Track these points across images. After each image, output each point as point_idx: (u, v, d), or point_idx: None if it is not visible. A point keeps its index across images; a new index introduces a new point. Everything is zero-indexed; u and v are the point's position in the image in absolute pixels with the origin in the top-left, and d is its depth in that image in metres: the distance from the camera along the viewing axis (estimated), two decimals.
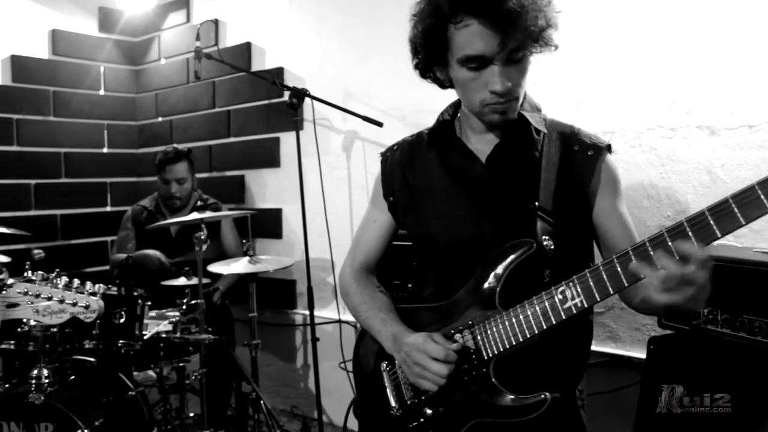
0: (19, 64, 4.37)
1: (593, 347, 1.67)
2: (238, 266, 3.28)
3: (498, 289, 1.43)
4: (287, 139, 4.09)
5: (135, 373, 3.08)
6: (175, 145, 3.90)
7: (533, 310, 1.34)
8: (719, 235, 1.09)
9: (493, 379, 1.41)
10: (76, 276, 2.00)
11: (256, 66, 4.23)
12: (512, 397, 1.38)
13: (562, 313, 1.30)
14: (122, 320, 2.84)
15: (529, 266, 1.42)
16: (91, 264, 4.67)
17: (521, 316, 1.36)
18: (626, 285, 1.21)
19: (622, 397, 2.55)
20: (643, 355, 2.20)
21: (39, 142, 4.48)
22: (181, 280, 3.28)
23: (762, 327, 1.87)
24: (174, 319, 3.04)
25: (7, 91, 4.32)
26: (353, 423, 2.77)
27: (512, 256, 1.42)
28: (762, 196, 1.03)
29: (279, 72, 4.07)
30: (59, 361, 2.84)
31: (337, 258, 3.63)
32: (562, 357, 1.53)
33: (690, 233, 1.11)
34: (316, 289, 3.41)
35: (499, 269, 1.43)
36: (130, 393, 2.85)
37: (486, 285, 1.45)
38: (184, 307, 3.09)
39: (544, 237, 1.43)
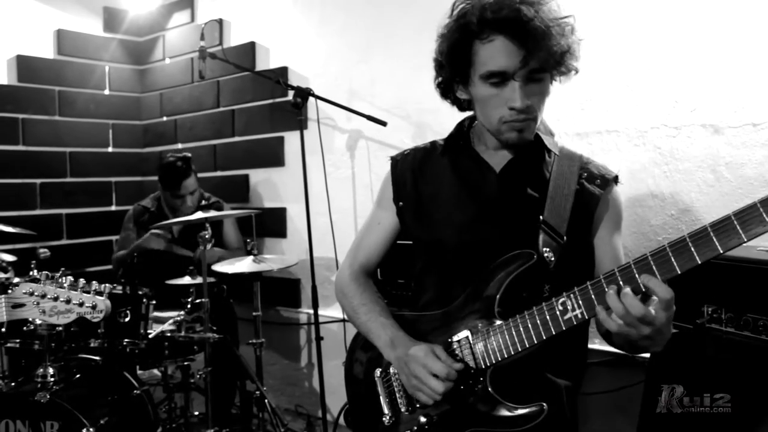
0: (25, 64, 4.38)
1: (597, 346, 1.67)
2: (243, 265, 3.29)
3: (497, 298, 1.43)
4: (291, 139, 4.10)
5: (140, 372, 3.09)
6: (177, 155, 3.75)
7: (533, 320, 1.35)
8: (678, 272, 1.14)
9: (490, 389, 1.41)
10: (81, 275, 2.00)
11: (261, 65, 4.24)
12: (509, 407, 1.38)
13: (562, 324, 1.30)
14: (127, 319, 2.85)
15: (529, 278, 1.43)
16: (96, 263, 4.68)
17: (520, 327, 1.37)
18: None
19: (626, 396, 2.55)
20: (647, 354, 2.20)
21: (44, 142, 4.50)
22: (186, 279, 3.29)
23: (766, 325, 1.87)
24: (178, 319, 3.06)
25: (13, 90, 4.33)
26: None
27: (512, 266, 1.43)
28: (713, 235, 1.10)
29: (283, 71, 4.07)
30: (65, 360, 2.85)
31: (341, 257, 3.63)
32: (559, 365, 1.53)
33: (653, 267, 1.16)
34: (321, 287, 3.41)
35: (499, 279, 1.44)
36: (135, 391, 2.86)
37: (485, 294, 1.45)
38: (189, 306, 3.10)
39: (545, 249, 1.44)
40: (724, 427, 1.90)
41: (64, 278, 1.88)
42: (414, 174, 1.70)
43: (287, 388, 4.26)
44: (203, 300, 3.01)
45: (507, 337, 1.38)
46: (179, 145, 4.76)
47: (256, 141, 4.31)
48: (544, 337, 1.33)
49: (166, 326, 3.03)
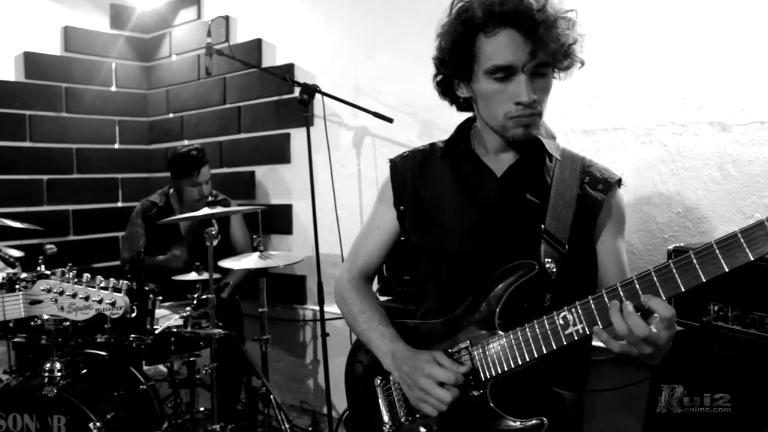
0: (32, 61, 4.40)
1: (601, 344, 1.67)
2: (249, 262, 3.29)
3: (497, 310, 1.40)
4: (297, 135, 4.10)
5: (146, 367, 3.11)
6: (191, 146, 3.83)
7: (533, 333, 1.32)
8: (683, 289, 1.13)
9: (490, 403, 1.38)
10: (88, 271, 2.00)
11: (267, 62, 4.24)
12: (509, 420, 1.35)
13: (563, 339, 1.28)
14: (134, 314, 2.85)
15: (530, 288, 1.40)
16: (102, 259, 4.70)
17: (521, 340, 1.34)
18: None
19: (632, 394, 2.55)
20: None
21: (51, 138, 4.52)
22: (192, 275, 3.30)
23: None
24: (185, 314, 3.07)
25: (21, 87, 4.35)
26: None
27: (513, 277, 1.40)
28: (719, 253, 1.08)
29: (289, 68, 4.08)
30: (71, 355, 2.87)
31: (347, 253, 3.62)
32: (562, 376, 1.51)
33: (657, 283, 1.15)
34: (326, 284, 3.41)
35: (499, 289, 1.41)
36: (141, 387, 2.87)
37: (485, 305, 1.42)
38: (195, 301, 3.10)
39: (546, 260, 1.42)
40: (734, 425, 1.89)
41: (81, 275, 1.88)
42: (414, 177, 1.67)
43: (293, 384, 4.27)
44: (209, 296, 3.02)
45: (507, 350, 1.36)
46: (185, 142, 4.76)
47: (263, 138, 4.32)
48: (545, 352, 1.31)
49: (173, 321, 3.03)
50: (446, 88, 1.57)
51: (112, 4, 4.87)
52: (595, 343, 1.65)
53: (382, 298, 3.10)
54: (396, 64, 3.55)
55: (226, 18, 4.39)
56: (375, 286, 2.34)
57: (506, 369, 1.36)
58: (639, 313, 1.16)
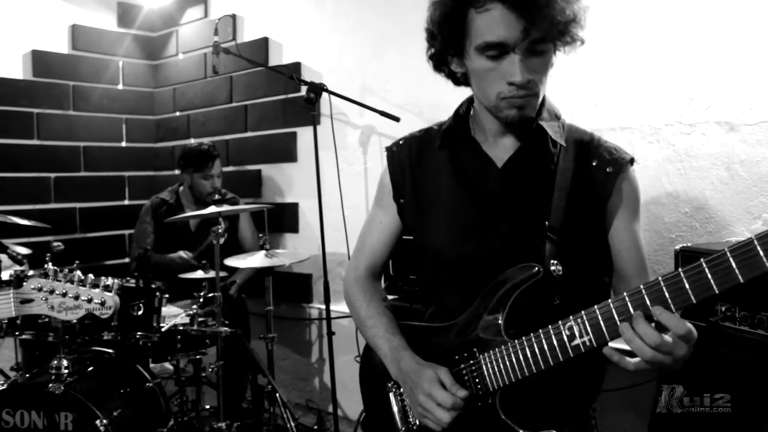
0: (40, 59, 4.42)
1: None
2: (255, 260, 3.29)
3: (503, 317, 1.35)
4: (304, 134, 4.11)
5: (152, 365, 3.11)
6: (200, 140, 3.88)
7: (540, 344, 1.26)
8: (694, 301, 1.05)
9: (500, 414, 1.33)
10: (94, 269, 2.00)
11: (274, 61, 4.25)
12: (519, 431, 1.31)
13: (569, 351, 1.22)
14: (140, 312, 2.86)
15: (536, 292, 1.34)
16: (109, 257, 4.72)
17: (527, 351, 1.28)
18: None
19: (639, 394, 2.54)
20: None
21: (58, 136, 4.54)
22: (199, 273, 3.31)
23: None
24: (191, 312, 3.07)
25: (28, 85, 4.37)
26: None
27: (516, 281, 1.34)
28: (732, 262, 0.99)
29: (296, 67, 4.08)
30: (78, 352, 2.88)
31: (353, 252, 3.63)
32: (574, 386, 1.45)
33: (666, 294, 1.08)
34: (332, 283, 3.42)
35: (504, 296, 1.35)
36: (147, 384, 2.88)
37: (490, 311, 1.37)
38: (202, 299, 3.11)
39: (552, 261, 1.35)
40: (727, 427, 1.88)
41: (72, 274, 1.86)
42: (412, 167, 1.60)
43: (298, 382, 4.28)
44: (216, 294, 3.02)
45: (514, 360, 1.30)
46: (192, 140, 4.77)
47: (269, 136, 4.33)
48: (552, 364, 1.24)
49: (179, 320, 3.04)
50: (440, 62, 1.48)
51: (119, 3, 4.88)
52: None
53: (389, 297, 3.09)
54: (403, 63, 3.55)
55: (233, 17, 4.40)
56: (381, 284, 2.33)
57: (512, 380, 1.31)
58: (653, 325, 1.10)
